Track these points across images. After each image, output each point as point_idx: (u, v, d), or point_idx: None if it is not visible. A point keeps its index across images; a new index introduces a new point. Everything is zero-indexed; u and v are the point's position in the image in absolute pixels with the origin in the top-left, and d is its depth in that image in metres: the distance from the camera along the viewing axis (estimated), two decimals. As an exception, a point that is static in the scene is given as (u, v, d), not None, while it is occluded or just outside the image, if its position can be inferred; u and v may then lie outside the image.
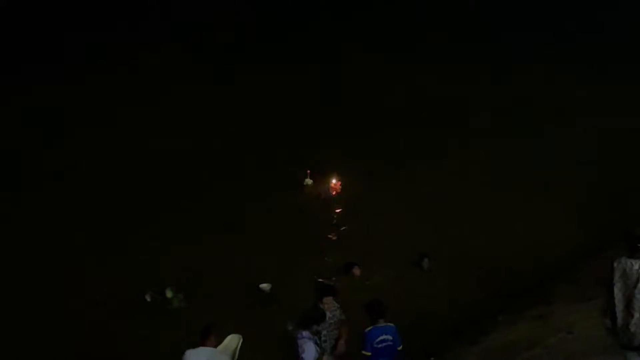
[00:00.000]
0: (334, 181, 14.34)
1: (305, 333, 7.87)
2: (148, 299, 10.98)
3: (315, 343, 7.91)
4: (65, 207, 13.60)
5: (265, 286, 11.28)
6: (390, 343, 8.01)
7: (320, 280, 9.54)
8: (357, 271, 11.47)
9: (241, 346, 8.62)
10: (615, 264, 6.66)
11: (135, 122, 16.97)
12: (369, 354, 7.94)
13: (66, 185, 14.40)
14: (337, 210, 13.66)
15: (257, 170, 14.92)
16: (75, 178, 14.69)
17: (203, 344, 7.96)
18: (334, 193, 14.26)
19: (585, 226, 12.36)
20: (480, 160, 15.12)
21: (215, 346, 8.18)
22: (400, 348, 8.13)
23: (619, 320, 6.70)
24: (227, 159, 15.39)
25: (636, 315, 6.59)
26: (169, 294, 11.03)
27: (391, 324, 8.11)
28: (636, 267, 6.52)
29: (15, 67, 19.34)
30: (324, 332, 8.16)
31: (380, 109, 17.79)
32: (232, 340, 8.78)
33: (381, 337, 7.93)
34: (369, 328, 7.96)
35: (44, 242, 12.47)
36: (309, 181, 14.36)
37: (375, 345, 7.90)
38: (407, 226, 12.92)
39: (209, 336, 8.01)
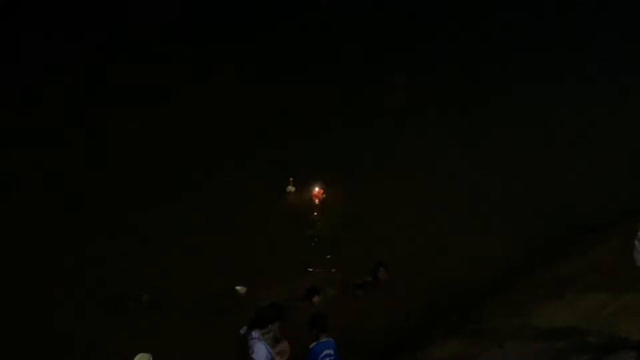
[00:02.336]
0: (316, 189, 14.41)
1: (255, 334, 7.85)
2: (142, 301, 11.08)
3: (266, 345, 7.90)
4: (42, 207, 13.76)
5: (240, 289, 11.31)
6: (333, 358, 8.05)
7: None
8: (316, 299, 11.16)
9: None
10: None
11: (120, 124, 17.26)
12: (314, 370, 7.90)
13: (42, 186, 14.53)
14: (314, 216, 13.95)
15: (240, 174, 15.07)
16: (55, 178, 14.81)
17: None
18: (316, 201, 14.35)
19: (517, 244, 12.69)
20: (423, 174, 15.40)
21: None
22: (339, 363, 8.17)
23: None
24: (209, 163, 15.55)
25: None
26: (143, 297, 11.06)
27: (331, 339, 8.15)
28: None
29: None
30: None
31: (364, 113, 18.18)
32: None
33: (325, 352, 7.97)
34: (313, 344, 7.98)
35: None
36: (291, 188, 14.43)
37: (319, 361, 7.89)
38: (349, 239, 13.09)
39: None
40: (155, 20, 23.82)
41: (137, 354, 9.12)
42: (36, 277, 11.74)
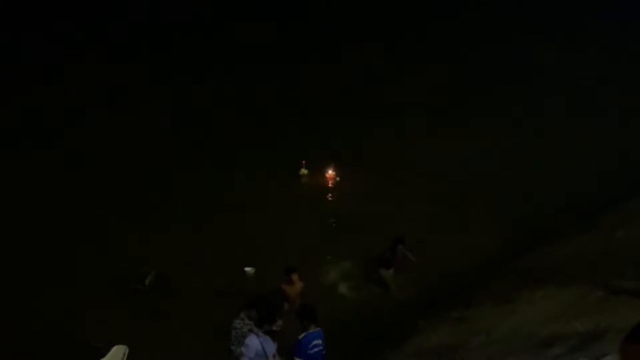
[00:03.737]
0: (329, 172, 14.73)
1: (255, 329, 7.86)
2: (147, 282, 11.22)
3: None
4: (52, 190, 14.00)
5: (249, 270, 11.49)
6: (321, 348, 8.07)
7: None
8: (295, 277, 11.05)
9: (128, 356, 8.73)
10: None
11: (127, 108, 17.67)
12: (302, 361, 7.94)
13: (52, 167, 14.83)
14: (326, 199, 14.25)
15: (253, 158, 15.42)
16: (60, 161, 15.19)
17: None
18: (329, 183, 14.68)
19: (504, 234, 12.77)
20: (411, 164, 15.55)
21: None
22: (324, 352, 8.18)
23: None
24: (224, 149, 15.90)
25: None
26: (149, 278, 11.23)
27: (320, 329, 8.13)
28: None
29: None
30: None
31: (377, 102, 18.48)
32: (118, 352, 8.79)
33: (314, 343, 7.96)
34: (302, 335, 7.95)
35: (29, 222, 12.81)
36: (304, 171, 14.78)
37: (308, 352, 7.90)
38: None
39: None
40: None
41: (145, 334, 9.59)
42: (40, 257, 11.89)
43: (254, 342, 7.77)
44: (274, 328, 8.00)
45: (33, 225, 12.74)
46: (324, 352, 8.14)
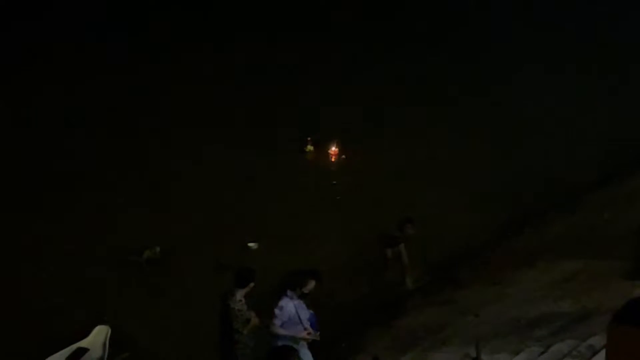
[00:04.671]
0: (333, 148, 14.88)
1: (289, 292, 7.66)
2: (145, 256, 11.20)
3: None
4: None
5: (253, 245, 11.52)
6: (309, 331, 8.06)
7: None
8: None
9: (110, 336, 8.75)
10: None
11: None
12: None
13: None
14: (329, 175, 14.31)
15: (258, 134, 15.38)
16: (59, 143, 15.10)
17: None
18: (333, 160, 14.85)
19: (491, 214, 12.71)
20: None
21: None
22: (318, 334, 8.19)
23: None
24: (227, 123, 15.91)
25: None
26: (154, 252, 11.25)
27: (311, 312, 8.08)
28: None
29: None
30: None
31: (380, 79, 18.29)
32: (100, 333, 8.79)
33: (301, 326, 7.94)
34: (289, 315, 7.96)
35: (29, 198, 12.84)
36: (310, 148, 14.90)
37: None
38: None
39: None
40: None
41: (148, 309, 9.67)
42: (45, 231, 11.89)
43: (289, 306, 7.56)
44: (306, 291, 7.76)
45: (35, 204, 12.78)
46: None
